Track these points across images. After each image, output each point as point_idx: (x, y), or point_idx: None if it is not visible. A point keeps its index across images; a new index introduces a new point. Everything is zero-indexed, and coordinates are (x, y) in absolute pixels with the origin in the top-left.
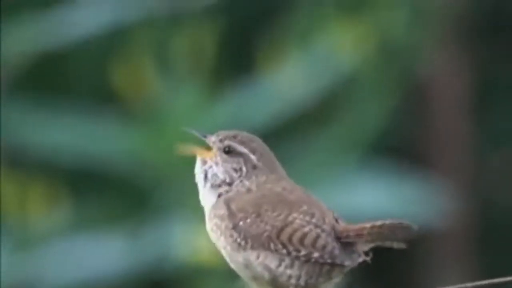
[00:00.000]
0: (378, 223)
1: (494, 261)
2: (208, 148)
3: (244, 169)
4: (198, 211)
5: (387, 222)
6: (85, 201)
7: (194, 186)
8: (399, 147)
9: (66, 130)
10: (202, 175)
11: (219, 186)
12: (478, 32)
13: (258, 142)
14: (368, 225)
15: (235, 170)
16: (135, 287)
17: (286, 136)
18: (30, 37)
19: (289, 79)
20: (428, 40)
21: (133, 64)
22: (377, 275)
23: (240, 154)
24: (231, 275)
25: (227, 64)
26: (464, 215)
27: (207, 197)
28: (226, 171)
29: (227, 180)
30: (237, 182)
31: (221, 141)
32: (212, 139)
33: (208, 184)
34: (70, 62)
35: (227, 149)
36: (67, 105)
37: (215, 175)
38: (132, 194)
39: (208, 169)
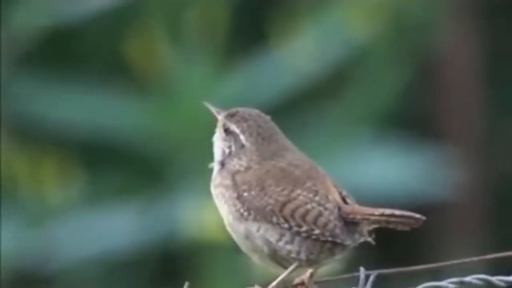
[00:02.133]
0: (388, 211)
1: (506, 234)
2: None
3: (233, 147)
4: (209, 186)
5: (397, 212)
6: (97, 175)
7: (206, 160)
8: (411, 120)
9: (79, 103)
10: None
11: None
12: (491, 4)
13: (254, 121)
14: (377, 212)
15: (228, 147)
16: (146, 261)
17: (298, 109)
18: (42, 10)
19: (301, 51)
20: (441, 12)
21: (146, 37)
22: (384, 249)
23: (231, 133)
24: (240, 251)
25: (239, 36)
26: (476, 187)
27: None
28: (221, 148)
29: (221, 157)
30: (228, 159)
31: (223, 118)
32: (221, 116)
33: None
34: (83, 35)
35: (225, 127)
36: (80, 78)
37: (216, 151)
38: (144, 167)
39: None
